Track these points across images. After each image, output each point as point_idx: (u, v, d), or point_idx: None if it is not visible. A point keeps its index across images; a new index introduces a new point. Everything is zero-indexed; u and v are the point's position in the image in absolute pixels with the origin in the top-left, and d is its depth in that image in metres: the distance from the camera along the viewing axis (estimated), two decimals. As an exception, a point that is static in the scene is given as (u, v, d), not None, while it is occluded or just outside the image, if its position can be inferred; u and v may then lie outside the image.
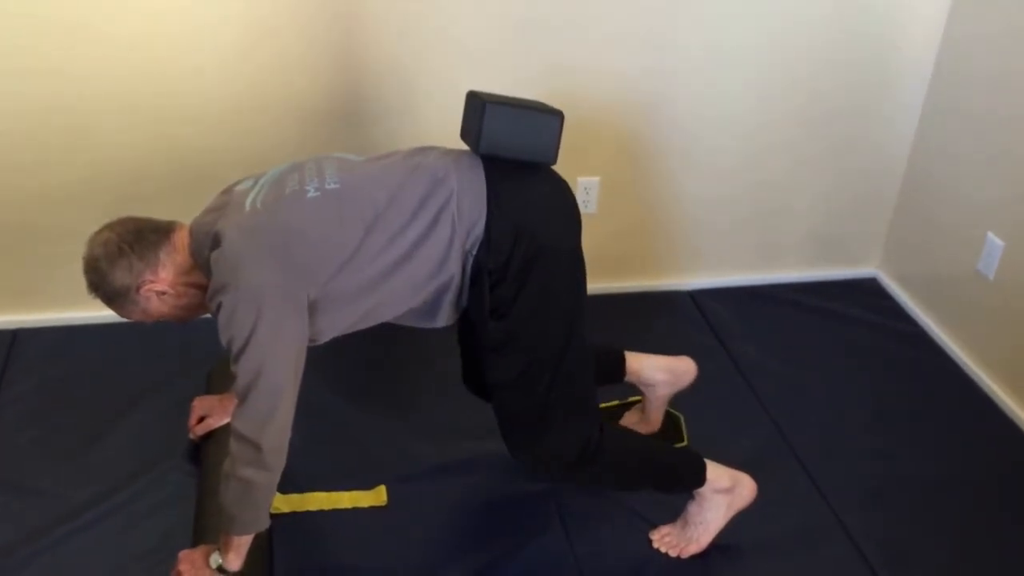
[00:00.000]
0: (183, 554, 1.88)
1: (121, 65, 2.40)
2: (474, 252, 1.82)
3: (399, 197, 1.81)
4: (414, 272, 1.82)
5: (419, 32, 2.51)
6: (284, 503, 2.13)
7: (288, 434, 1.77)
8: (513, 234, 1.81)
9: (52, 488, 2.18)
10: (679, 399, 2.45)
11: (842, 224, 3.08)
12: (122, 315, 1.90)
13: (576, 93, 2.66)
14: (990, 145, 2.62)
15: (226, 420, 2.23)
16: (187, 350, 2.57)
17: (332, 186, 1.82)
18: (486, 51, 2.56)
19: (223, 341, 1.73)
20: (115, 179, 2.54)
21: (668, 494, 2.12)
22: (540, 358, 1.88)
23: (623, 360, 2.28)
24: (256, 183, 1.88)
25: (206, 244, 1.80)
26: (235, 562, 1.82)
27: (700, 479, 2.03)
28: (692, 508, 2.09)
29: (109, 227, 1.86)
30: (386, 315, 1.89)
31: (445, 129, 2.48)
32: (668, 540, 2.11)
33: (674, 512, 2.12)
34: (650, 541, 2.12)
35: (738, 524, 2.10)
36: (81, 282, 1.85)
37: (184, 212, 1.99)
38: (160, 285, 1.83)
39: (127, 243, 1.81)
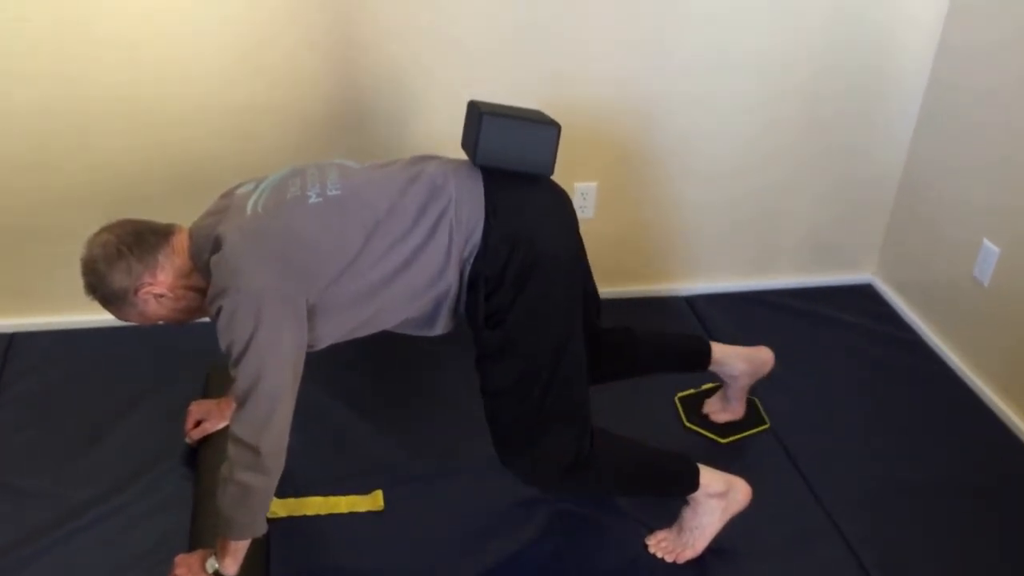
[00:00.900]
0: (179, 558, 1.88)
1: (120, 68, 2.41)
2: (471, 260, 1.82)
3: (399, 205, 1.81)
4: (413, 280, 1.82)
5: (418, 37, 2.51)
6: (281, 507, 2.14)
7: (286, 438, 1.77)
8: (510, 243, 1.81)
9: (48, 490, 2.18)
10: (671, 405, 2.46)
11: (838, 230, 3.08)
12: (120, 317, 1.90)
13: (574, 98, 2.66)
14: (986, 152, 2.63)
15: (222, 424, 2.23)
16: (184, 353, 2.57)
17: (334, 192, 1.82)
18: (485, 56, 2.57)
19: (222, 345, 1.73)
20: (113, 182, 2.54)
21: (662, 498, 2.12)
22: (535, 366, 1.88)
23: (710, 349, 2.33)
24: (257, 187, 1.88)
25: (206, 247, 1.80)
26: (232, 566, 1.82)
27: (694, 484, 2.04)
28: (687, 513, 2.09)
29: (108, 229, 1.86)
30: (385, 323, 1.89)
31: (444, 134, 2.50)
32: (664, 545, 2.11)
33: (670, 516, 2.13)
34: (646, 546, 2.12)
35: (734, 528, 2.10)
36: (79, 285, 1.85)
37: (182, 215, 1.99)
38: (158, 288, 1.84)
39: (126, 245, 1.81)
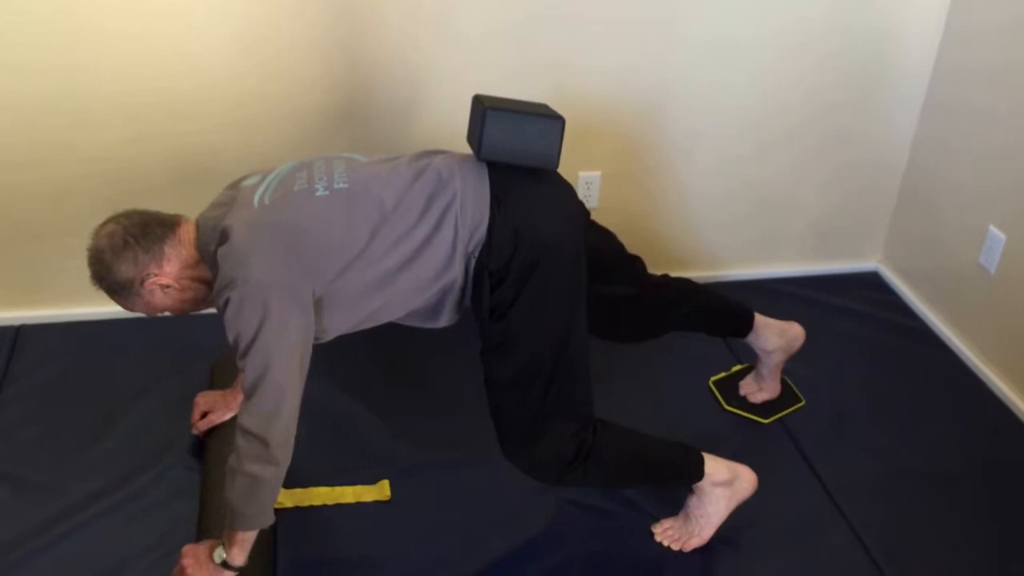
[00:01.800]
0: (187, 549, 1.89)
1: (124, 61, 2.40)
2: (476, 254, 1.83)
3: (406, 199, 1.82)
4: (419, 273, 1.82)
5: (422, 27, 2.51)
6: (288, 498, 2.14)
7: (294, 429, 1.78)
8: (514, 237, 1.81)
9: (56, 483, 2.18)
10: (676, 394, 2.46)
11: (843, 218, 3.08)
12: (125, 307, 1.90)
13: (578, 87, 2.66)
14: (992, 138, 2.62)
15: (229, 416, 2.24)
16: (190, 345, 2.58)
17: (341, 186, 1.83)
18: (490, 46, 2.56)
19: (229, 337, 1.74)
20: (118, 174, 2.55)
21: (667, 488, 2.13)
22: (538, 359, 1.88)
23: (753, 315, 2.36)
24: (263, 179, 1.88)
25: (213, 239, 1.80)
26: (239, 557, 1.83)
27: (698, 473, 2.04)
28: (692, 502, 2.09)
29: (115, 219, 1.86)
30: (390, 315, 1.90)
31: (448, 125, 2.50)
32: (670, 534, 2.12)
33: (676, 505, 2.13)
34: (652, 535, 2.13)
35: (740, 516, 2.10)
36: (85, 277, 1.85)
37: (186, 207, 2.00)
38: (164, 279, 1.84)
39: (132, 235, 1.82)
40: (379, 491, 2.20)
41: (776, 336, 2.39)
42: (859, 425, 2.49)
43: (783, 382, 2.53)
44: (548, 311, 1.87)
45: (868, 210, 3.08)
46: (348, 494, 2.19)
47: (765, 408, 2.48)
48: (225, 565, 1.83)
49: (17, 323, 2.69)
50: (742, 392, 2.51)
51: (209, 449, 2.23)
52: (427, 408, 2.47)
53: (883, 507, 2.23)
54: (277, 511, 1.88)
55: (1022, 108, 2.50)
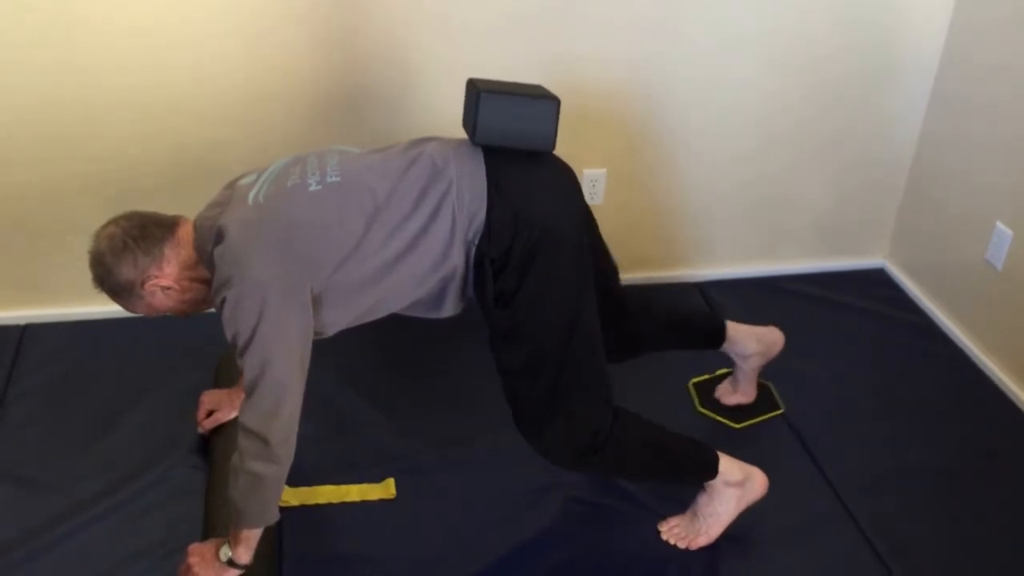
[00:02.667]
0: (192, 547, 1.88)
1: (123, 58, 2.40)
2: (476, 242, 1.82)
3: (399, 189, 1.81)
4: (417, 263, 1.82)
5: (422, 21, 2.50)
6: (293, 496, 2.14)
7: (296, 427, 1.77)
8: (514, 222, 1.80)
9: (61, 481, 2.18)
10: (682, 389, 2.46)
11: (849, 214, 3.07)
12: (127, 309, 1.91)
13: (582, 84, 2.65)
14: (998, 134, 2.61)
15: (234, 414, 2.23)
16: (195, 344, 2.57)
17: (333, 179, 1.82)
18: (492, 40, 2.56)
19: (228, 336, 1.74)
20: (122, 173, 2.55)
21: (680, 484, 2.12)
22: (546, 344, 1.88)
23: (724, 327, 2.32)
24: (259, 177, 1.88)
25: (210, 239, 1.80)
26: (244, 555, 1.83)
27: (713, 471, 2.03)
28: (702, 500, 2.08)
29: (114, 222, 1.86)
30: (391, 307, 1.89)
31: (448, 117, 2.49)
32: (677, 531, 2.11)
33: (682, 504, 2.12)
34: (659, 532, 2.12)
35: (746, 514, 2.09)
36: (89, 277, 1.85)
37: (189, 205, 2.00)
38: (165, 280, 1.84)
39: (132, 238, 1.82)
40: (385, 489, 2.20)
41: (752, 342, 2.36)
42: (866, 422, 2.48)
43: (765, 389, 2.50)
44: (555, 294, 1.86)
45: (874, 206, 3.07)
46: (353, 492, 2.19)
47: (739, 413, 2.45)
48: (231, 563, 1.83)
49: (23, 322, 2.69)
50: (717, 395, 2.49)
51: (214, 448, 2.23)
52: (433, 406, 2.46)
53: (890, 504, 2.23)
54: (282, 509, 1.88)
55: (1029, 103, 2.49)
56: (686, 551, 2.08)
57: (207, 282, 1.86)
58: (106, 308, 2.21)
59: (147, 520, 2.10)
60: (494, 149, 1.87)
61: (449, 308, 1.93)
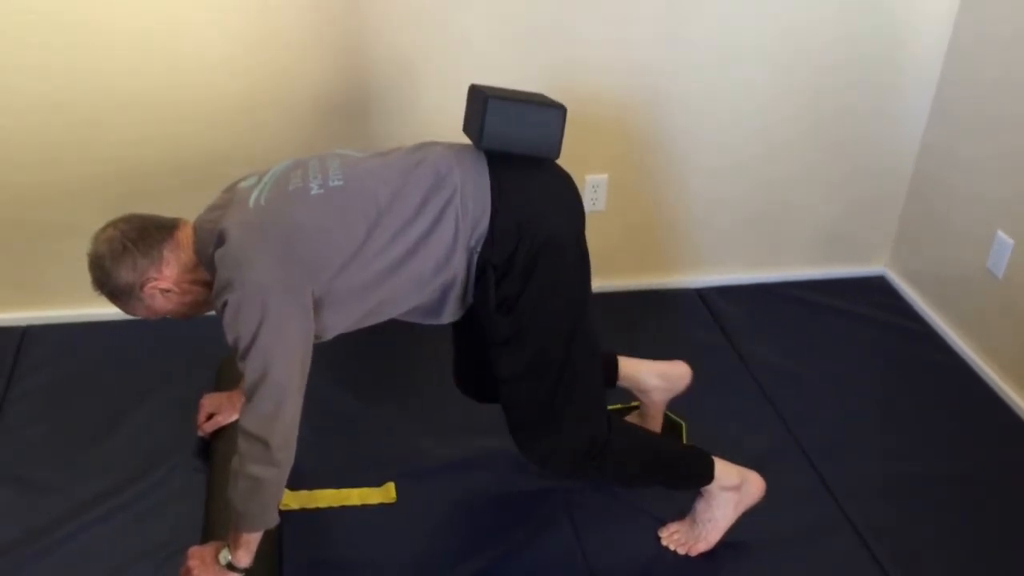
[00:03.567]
0: (192, 550, 1.88)
1: (127, 61, 2.41)
2: (478, 248, 1.82)
3: (402, 194, 1.81)
4: (418, 268, 1.82)
5: (424, 27, 2.51)
6: (293, 500, 2.14)
7: (296, 430, 1.77)
8: (517, 229, 1.81)
9: (61, 484, 2.18)
10: (685, 396, 2.45)
11: (850, 222, 3.07)
12: (127, 312, 1.90)
13: (583, 91, 2.66)
14: (999, 143, 2.61)
15: (235, 417, 2.23)
16: (196, 347, 2.57)
17: (336, 183, 1.82)
18: (492, 47, 2.56)
19: (228, 339, 1.74)
20: (123, 175, 2.55)
21: (676, 491, 2.12)
22: (547, 351, 1.88)
23: (615, 364, 2.26)
24: (260, 180, 1.88)
25: (210, 241, 1.80)
26: (244, 558, 1.83)
27: (708, 476, 2.03)
28: (700, 506, 2.08)
29: (113, 224, 1.86)
30: (392, 311, 1.89)
31: (449, 123, 2.48)
32: (676, 537, 2.11)
33: (682, 509, 2.12)
34: (659, 538, 2.12)
35: (746, 521, 2.09)
36: (90, 279, 1.85)
37: (191, 207, 1.99)
38: (164, 283, 1.84)
39: (131, 240, 1.82)
40: (385, 493, 2.20)
41: (652, 377, 2.28)
42: (866, 429, 2.48)
43: (672, 425, 2.39)
44: (556, 301, 1.86)
45: (875, 215, 3.07)
46: (354, 496, 2.19)
47: None
48: (230, 567, 1.83)
49: (24, 324, 2.70)
50: None
51: (215, 451, 2.23)
52: (433, 410, 2.46)
53: (890, 512, 2.23)
54: (283, 513, 1.88)
55: (1030, 112, 2.50)
56: (686, 557, 2.08)
57: (207, 285, 1.85)
58: (107, 310, 2.21)
59: (148, 522, 2.10)
60: (496, 155, 1.87)
61: (449, 315, 1.93)
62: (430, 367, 2.60)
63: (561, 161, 1.93)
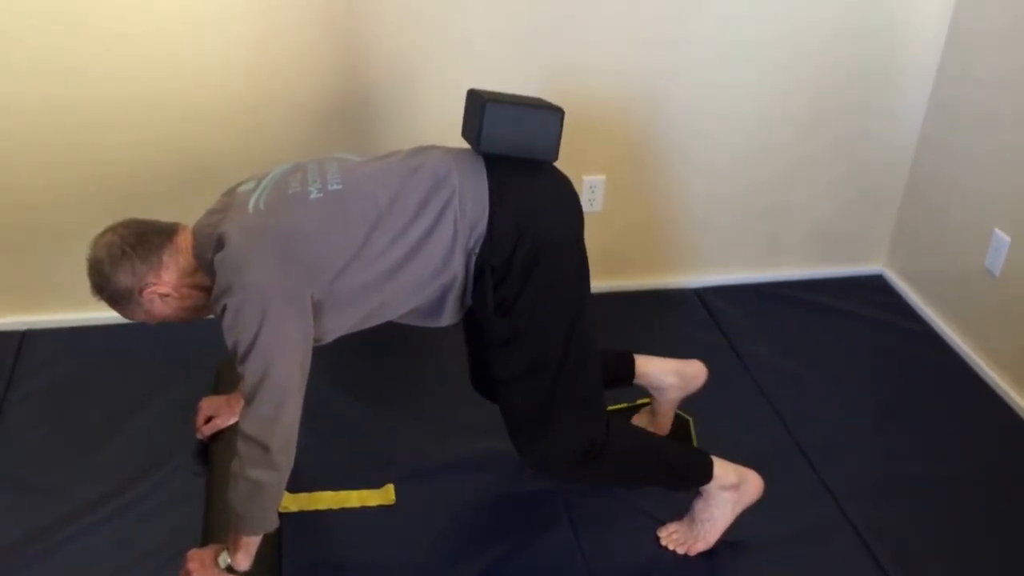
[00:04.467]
0: (191, 553, 1.88)
1: (127, 64, 2.41)
2: (477, 250, 1.82)
3: (401, 197, 1.81)
4: (417, 271, 1.82)
5: (423, 30, 2.51)
6: (293, 502, 2.14)
7: (296, 434, 1.77)
8: (515, 231, 1.81)
9: (61, 487, 2.19)
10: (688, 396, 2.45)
11: (848, 221, 3.07)
12: (126, 316, 1.90)
13: (581, 91, 2.66)
14: (996, 141, 2.62)
15: (233, 420, 2.24)
16: (194, 350, 2.58)
17: (335, 187, 1.83)
18: (490, 49, 2.56)
19: (228, 343, 1.74)
20: (122, 178, 2.55)
21: (675, 491, 2.12)
22: (545, 353, 1.88)
23: (632, 362, 2.27)
24: (259, 184, 1.88)
25: (209, 246, 1.80)
26: (244, 561, 1.83)
27: (707, 476, 2.03)
28: (699, 505, 2.09)
29: (112, 229, 1.86)
30: (391, 314, 1.89)
31: (448, 126, 2.49)
32: (675, 537, 2.11)
33: (681, 509, 2.12)
34: (658, 538, 2.12)
35: (746, 521, 2.10)
36: (88, 283, 1.85)
37: (191, 211, 2.00)
38: (163, 287, 1.84)
39: (130, 245, 1.82)
40: (384, 495, 2.20)
41: (668, 375, 2.29)
42: (864, 428, 2.48)
43: (681, 421, 2.41)
44: (554, 303, 1.87)
45: (873, 213, 3.08)
46: (353, 498, 2.19)
47: None
48: (230, 570, 1.83)
49: (23, 327, 2.70)
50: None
51: (213, 454, 2.23)
52: (432, 412, 2.46)
53: (889, 512, 2.23)
54: (282, 515, 1.88)
55: (1027, 111, 2.50)
56: (685, 557, 2.08)
57: (206, 289, 1.86)
58: (105, 314, 2.22)
59: (147, 525, 2.10)
60: (495, 158, 1.87)
61: (447, 317, 1.93)
62: (429, 369, 2.61)
63: (558, 162, 1.94)
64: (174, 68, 2.44)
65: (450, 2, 2.48)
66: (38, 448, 2.30)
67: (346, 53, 2.51)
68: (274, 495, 1.79)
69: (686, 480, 2.07)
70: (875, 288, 3.10)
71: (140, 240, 1.83)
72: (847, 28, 2.72)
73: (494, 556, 2.07)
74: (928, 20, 2.76)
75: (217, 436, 2.26)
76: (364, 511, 2.16)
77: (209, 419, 2.28)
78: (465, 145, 1.93)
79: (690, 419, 2.43)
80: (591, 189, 2.82)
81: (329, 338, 1.87)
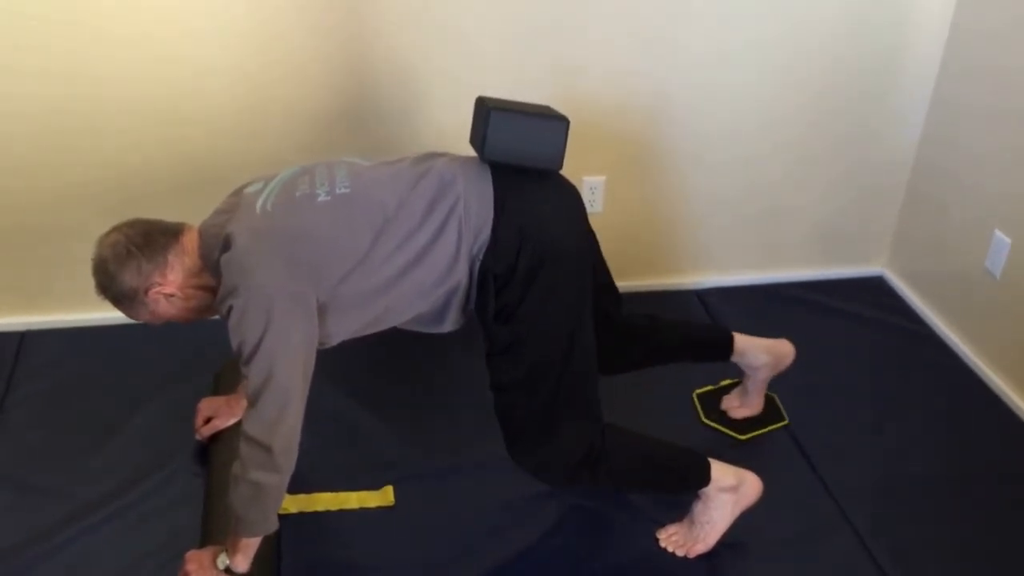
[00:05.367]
0: (190, 554, 1.88)
1: (128, 66, 2.41)
2: (481, 257, 1.83)
3: (408, 202, 1.82)
4: (423, 277, 1.82)
5: (426, 32, 2.51)
6: (292, 503, 2.14)
7: (298, 436, 1.78)
8: (518, 239, 1.81)
9: (60, 488, 2.19)
10: (686, 398, 2.46)
11: (849, 222, 3.07)
12: (130, 316, 1.91)
13: (582, 92, 2.66)
14: (997, 142, 2.61)
15: (232, 421, 2.24)
16: (194, 351, 2.58)
17: (343, 191, 1.83)
18: (493, 51, 2.56)
19: (233, 344, 1.74)
20: (123, 180, 2.55)
21: (673, 495, 2.12)
22: (544, 361, 1.88)
23: (732, 338, 2.32)
24: (266, 185, 1.88)
25: (216, 246, 1.80)
26: (242, 563, 1.83)
27: (705, 479, 2.03)
28: (698, 507, 2.08)
29: (118, 229, 1.87)
30: (395, 319, 1.90)
31: (451, 129, 2.50)
32: (675, 539, 2.11)
33: (681, 511, 2.12)
34: (657, 540, 2.12)
35: (745, 522, 2.09)
36: (89, 283, 1.86)
37: (191, 212, 2.00)
38: (168, 288, 1.84)
39: (136, 245, 1.82)
40: (383, 497, 2.20)
41: (762, 353, 2.36)
42: (864, 429, 2.48)
43: (770, 400, 2.50)
44: (555, 312, 1.87)
45: (873, 214, 3.07)
46: (352, 500, 2.19)
47: (744, 424, 2.44)
48: (228, 571, 1.83)
49: (22, 328, 2.70)
50: (723, 406, 2.48)
51: (213, 455, 2.23)
52: (431, 414, 2.46)
53: (888, 512, 2.22)
54: (281, 517, 1.88)
55: (1027, 112, 2.50)
56: (684, 559, 2.08)
57: (211, 289, 1.86)
58: (105, 315, 2.23)
59: (147, 527, 2.10)
60: (501, 166, 1.88)
61: (450, 323, 1.94)
62: (429, 371, 2.61)
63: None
64: (174, 69, 2.44)
65: (451, 3, 2.48)
66: (38, 449, 2.30)
67: (348, 55, 2.51)
68: (275, 497, 1.79)
69: (684, 483, 2.06)
70: (876, 289, 3.10)
71: (146, 240, 1.83)
72: (847, 28, 2.72)
73: (492, 558, 2.07)
74: (929, 19, 2.75)
75: (216, 437, 2.26)
76: (363, 512, 2.16)
77: (208, 420, 2.28)
78: (472, 152, 1.93)
79: (775, 396, 2.49)
80: (591, 190, 2.82)
81: (333, 342, 1.87)
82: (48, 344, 2.65)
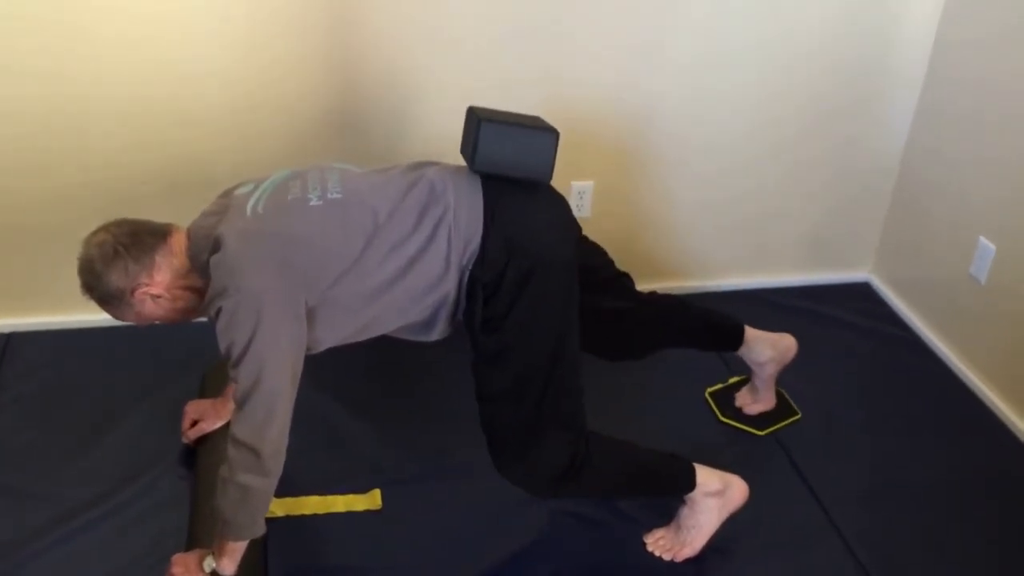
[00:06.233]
0: (176, 557, 1.88)
1: (119, 68, 2.40)
2: (470, 266, 1.83)
3: (399, 210, 1.82)
4: (412, 285, 1.82)
5: (417, 39, 2.51)
6: (279, 506, 2.14)
7: (286, 440, 1.77)
8: (507, 249, 1.82)
9: (47, 491, 2.18)
10: (670, 406, 2.46)
11: (835, 229, 3.09)
12: (116, 317, 1.90)
13: (571, 98, 2.66)
14: (982, 149, 2.63)
15: (219, 424, 2.23)
16: (181, 354, 2.57)
17: (335, 196, 1.83)
18: (483, 57, 2.57)
19: (222, 346, 1.73)
20: (112, 182, 2.54)
21: (658, 499, 2.13)
22: (531, 371, 1.88)
23: (743, 329, 2.36)
24: (257, 188, 1.88)
25: (205, 247, 1.80)
26: (229, 566, 1.82)
27: (690, 484, 2.04)
28: (684, 512, 2.09)
29: (105, 228, 1.86)
30: (383, 327, 1.90)
31: (443, 136, 2.50)
32: (662, 543, 2.11)
33: (667, 515, 2.13)
34: (644, 544, 2.12)
35: (732, 526, 2.10)
36: (75, 285, 1.85)
37: (179, 214, 1.99)
38: (155, 288, 1.83)
39: (123, 245, 1.81)
40: (370, 500, 2.20)
41: (768, 348, 2.39)
42: (851, 436, 2.49)
43: (779, 395, 2.53)
44: (542, 322, 1.87)
45: (859, 221, 3.09)
46: (339, 503, 2.18)
47: (760, 420, 2.48)
48: (215, 574, 1.83)
49: (8, 330, 2.68)
50: (738, 404, 2.51)
51: (199, 458, 2.22)
52: (419, 417, 2.46)
53: (875, 518, 2.23)
54: (269, 520, 1.88)
55: (1011, 119, 2.51)
56: (671, 563, 2.09)
57: (199, 291, 1.85)
58: (91, 317, 2.22)
59: (134, 530, 2.09)
60: (491, 177, 1.89)
61: (438, 332, 1.94)
62: (418, 377, 2.61)
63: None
64: (165, 73, 2.43)
65: (441, 9, 2.48)
66: (23, 452, 2.29)
67: (340, 60, 2.51)
68: (263, 501, 1.79)
69: (669, 489, 2.07)
70: (861, 295, 3.11)
71: (133, 240, 1.82)
72: (833, 35, 2.74)
73: (480, 562, 2.07)
74: (915, 29, 2.77)
75: (203, 440, 2.25)
76: (350, 516, 2.16)
77: (195, 423, 2.27)
78: (463, 162, 1.94)
79: (784, 391, 2.52)
80: (579, 195, 2.83)
81: (321, 347, 1.87)
82: (34, 346, 2.64)
